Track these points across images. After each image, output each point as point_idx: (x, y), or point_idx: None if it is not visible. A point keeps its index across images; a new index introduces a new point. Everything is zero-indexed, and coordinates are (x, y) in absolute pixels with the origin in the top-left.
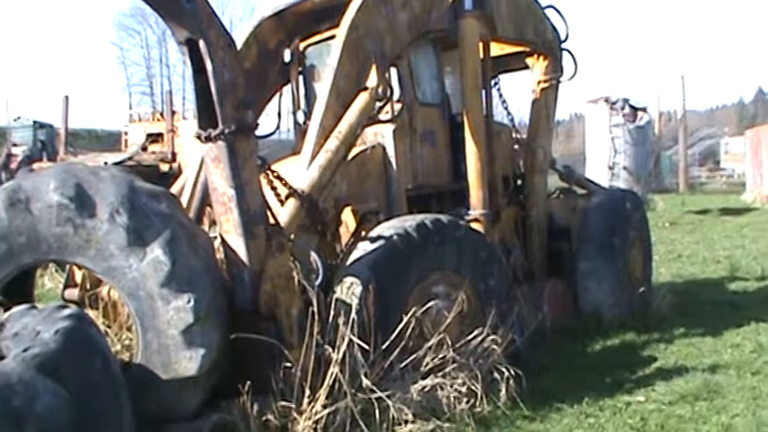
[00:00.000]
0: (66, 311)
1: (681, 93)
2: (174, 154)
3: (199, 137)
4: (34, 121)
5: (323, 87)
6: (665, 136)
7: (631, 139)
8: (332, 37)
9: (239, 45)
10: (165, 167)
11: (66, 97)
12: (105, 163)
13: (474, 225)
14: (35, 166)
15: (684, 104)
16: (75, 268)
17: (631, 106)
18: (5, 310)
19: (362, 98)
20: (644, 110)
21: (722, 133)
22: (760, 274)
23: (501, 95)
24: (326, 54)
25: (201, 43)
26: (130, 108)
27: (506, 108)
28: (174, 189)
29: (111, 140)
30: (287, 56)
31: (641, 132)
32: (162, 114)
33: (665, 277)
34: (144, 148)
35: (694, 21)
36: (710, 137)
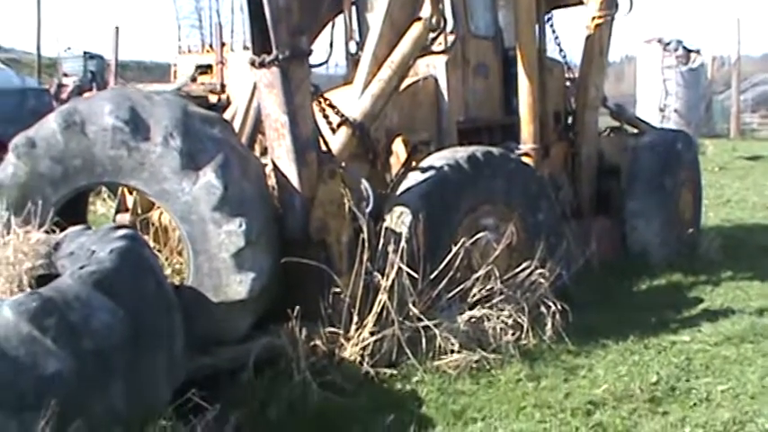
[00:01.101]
0: (121, 232)
1: (736, 36)
2: (222, 85)
3: (252, 62)
4: (84, 52)
5: (376, 17)
6: (717, 80)
7: (683, 82)
8: None
9: None
10: (213, 98)
11: (117, 28)
12: None
13: (524, 159)
14: (85, 96)
15: (739, 49)
16: (126, 193)
17: (685, 48)
18: (61, 231)
19: (416, 28)
20: (697, 52)
21: None
22: None
23: (554, 31)
24: None
25: None
26: (179, 40)
27: (559, 44)
28: (227, 116)
29: (159, 72)
30: None
31: (694, 75)
32: (211, 46)
33: (713, 221)
34: (193, 79)
35: None
36: (764, 82)
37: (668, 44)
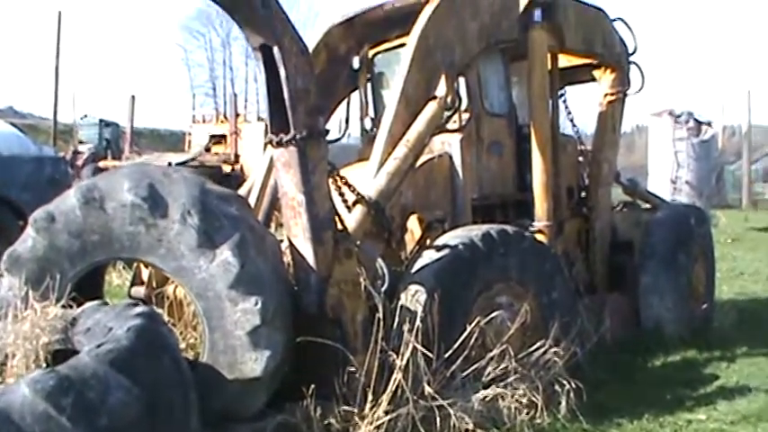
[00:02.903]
0: (138, 309)
1: (746, 107)
2: (236, 156)
3: (270, 141)
4: (100, 120)
5: (392, 95)
6: (728, 150)
7: (695, 154)
8: (401, 45)
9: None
10: (227, 169)
11: (133, 97)
12: (169, 163)
13: (538, 236)
14: (101, 164)
15: (750, 119)
16: (141, 266)
17: (696, 120)
18: (78, 306)
19: (431, 107)
20: (708, 124)
21: None
22: None
23: (567, 107)
24: (395, 62)
25: (276, 49)
26: (194, 109)
27: (572, 120)
28: (242, 191)
29: (173, 140)
30: (356, 62)
31: (705, 147)
32: (225, 116)
33: (727, 294)
34: (207, 149)
35: (761, 34)
36: None
37: (679, 116)
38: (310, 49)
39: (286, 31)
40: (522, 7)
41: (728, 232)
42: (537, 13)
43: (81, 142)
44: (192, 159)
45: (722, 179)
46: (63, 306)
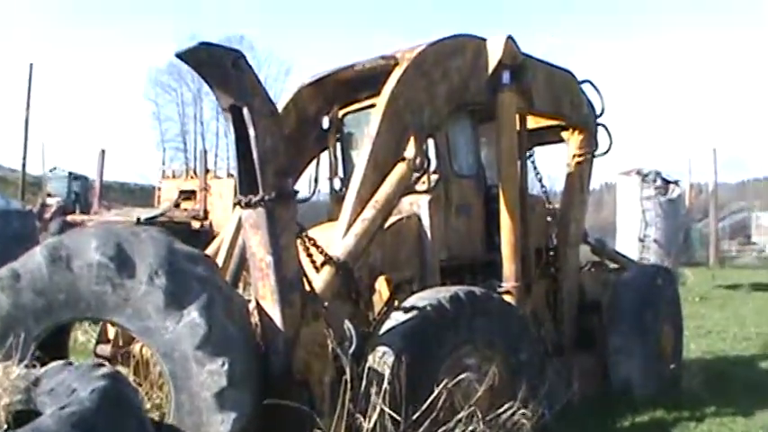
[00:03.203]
0: (103, 370)
1: (712, 165)
2: (206, 212)
3: (239, 202)
4: (69, 173)
5: (361, 156)
6: (695, 208)
7: (662, 212)
8: (371, 106)
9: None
10: (196, 225)
11: (103, 151)
12: (138, 218)
13: (506, 297)
14: (69, 217)
15: (716, 178)
16: (108, 324)
17: (663, 179)
18: (42, 365)
19: (400, 168)
20: (676, 183)
21: (753, 207)
22: None
23: (536, 168)
24: (365, 122)
25: (245, 110)
26: (164, 164)
27: (540, 180)
28: (211, 250)
29: (143, 195)
30: (325, 122)
31: (673, 205)
32: (195, 172)
33: (695, 353)
34: (177, 205)
35: (727, 93)
36: (741, 210)
37: (647, 175)
38: (280, 109)
39: (256, 93)
40: (491, 70)
41: (696, 290)
42: (506, 76)
43: (49, 195)
44: (162, 215)
45: (690, 237)
46: (26, 366)
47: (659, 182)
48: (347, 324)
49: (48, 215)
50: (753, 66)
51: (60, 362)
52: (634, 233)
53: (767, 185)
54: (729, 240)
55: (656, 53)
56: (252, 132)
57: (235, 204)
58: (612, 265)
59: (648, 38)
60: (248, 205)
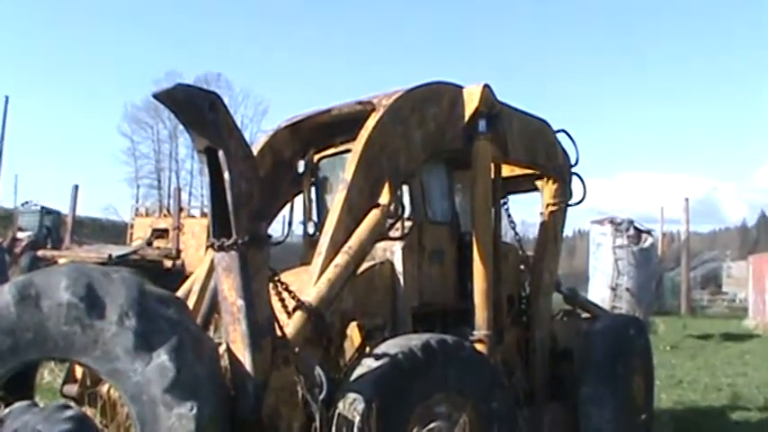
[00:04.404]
0: (69, 413)
1: (684, 214)
2: (178, 251)
3: (212, 245)
4: (42, 207)
5: (335, 201)
6: (667, 257)
7: (635, 261)
8: (346, 150)
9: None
10: (168, 264)
11: (76, 186)
12: (110, 255)
13: (478, 346)
14: (40, 252)
15: (688, 227)
16: (75, 364)
17: (636, 228)
18: (6, 406)
19: (374, 215)
20: (648, 232)
21: (725, 257)
22: (762, 403)
23: (509, 215)
24: (340, 167)
25: (221, 153)
26: (137, 201)
27: (514, 228)
28: (182, 291)
29: (115, 231)
30: (300, 166)
31: (645, 254)
32: (169, 210)
33: (665, 403)
34: (149, 243)
35: (700, 145)
36: (713, 260)
37: (620, 224)
38: (256, 152)
39: (232, 135)
40: (467, 117)
41: (667, 339)
42: (482, 124)
43: (20, 229)
44: (134, 252)
45: (662, 286)
46: None
47: (632, 231)
48: (318, 370)
49: (18, 249)
50: (726, 113)
51: (25, 402)
52: (606, 281)
53: (738, 235)
54: (701, 290)
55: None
56: (227, 175)
57: (207, 247)
58: (585, 315)
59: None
60: (221, 248)
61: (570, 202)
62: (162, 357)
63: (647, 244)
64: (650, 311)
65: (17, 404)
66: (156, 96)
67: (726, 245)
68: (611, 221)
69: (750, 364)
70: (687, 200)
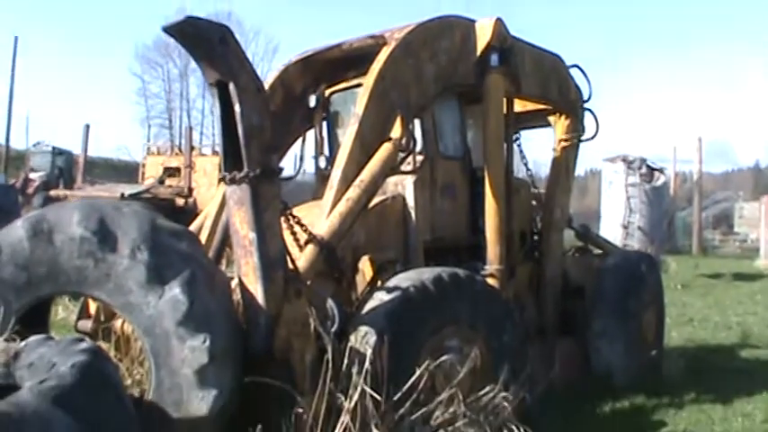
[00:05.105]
0: (83, 345)
1: (697, 154)
2: (190, 189)
3: (223, 178)
4: (53, 148)
5: (347, 135)
6: (679, 197)
7: (647, 200)
8: (358, 85)
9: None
10: (180, 202)
11: (87, 126)
12: (122, 194)
13: (490, 280)
14: (52, 192)
15: (701, 167)
16: (89, 300)
17: (648, 166)
18: (21, 340)
19: (386, 149)
20: (661, 170)
21: (737, 197)
22: None
23: (521, 151)
24: (351, 101)
25: (231, 86)
26: (149, 140)
27: (526, 164)
28: (194, 226)
29: (127, 171)
30: (312, 101)
31: (657, 193)
32: (180, 149)
33: (676, 341)
34: (161, 182)
35: (715, 83)
36: (725, 200)
37: (632, 162)
38: (267, 87)
39: (242, 68)
40: (479, 51)
41: (678, 278)
42: (494, 58)
43: (33, 170)
44: (146, 191)
45: (673, 225)
46: (6, 339)
47: (644, 169)
48: (330, 303)
49: (31, 190)
50: (742, 56)
51: (40, 336)
52: (618, 220)
53: (751, 176)
54: (713, 230)
55: (646, 39)
56: (237, 108)
57: (219, 180)
58: (596, 251)
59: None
60: (233, 181)
61: (583, 138)
62: (174, 290)
63: (659, 182)
64: (662, 250)
65: (32, 338)
66: (166, 30)
67: (738, 186)
68: (624, 159)
69: (760, 303)
70: (700, 140)
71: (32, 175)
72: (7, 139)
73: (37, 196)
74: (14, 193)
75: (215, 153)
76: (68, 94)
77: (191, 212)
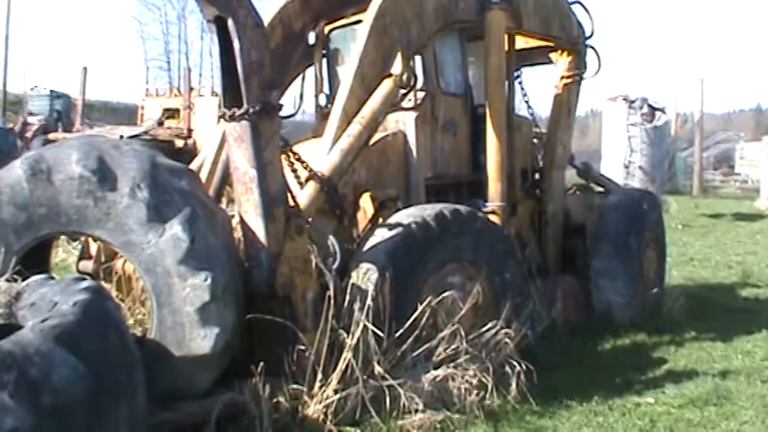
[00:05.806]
0: (84, 284)
1: (699, 95)
2: (189, 130)
3: (223, 115)
4: (51, 91)
5: (347, 72)
6: (680, 137)
7: (648, 139)
8: (358, 21)
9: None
10: (180, 143)
11: (85, 68)
12: (121, 136)
13: (491, 217)
14: (50, 135)
15: (702, 107)
16: (90, 240)
17: (650, 106)
18: (23, 280)
19: (386, 85)
20: (662, 110)
21: (738, 138)
22: None
23: (523, 88)
24: (351, 38)
25: (230, 22)
26: (147, 82)
27: (527, 101)
28: (194, 166)
29: (126, 113)
30: (311, 38)
31: (658, 133)
32: (179, 90)
33: (677, 280)
34: (160, 123)
35: (716, 23)
36: (726, 141)
37: (633, 102)
38: (266, 24)
39: (241, 4)
40: None
41: (679, 218)
42: None
43: (31, 114)
44: (145, 133)
45: (674, 165)
46: (7, 280)
47: (646, 109)
48: (331, 240)
49: (29, 134)
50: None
51: (42, 276)
52: (619, 159)
53: (752, 117)
54: (713, 170)
55: None
56: (236, 44)
57: (219, 118)
58: (598, 189)
59: None
60: (232, 118)
61: (585, 76)
62: (175, 228)
63: (660, 122)
64: (663, 190)
65: (34, 277)
66: None
67: (740, 126)
68: (625, 99)
69: (761, 243)
70: (702, 80)
71: (31, 119)
72: (5, 84)
73: (36, 140)
74: (13, 137)
75: (214, 94)
76: (66, 38)
77: (190, 153)
